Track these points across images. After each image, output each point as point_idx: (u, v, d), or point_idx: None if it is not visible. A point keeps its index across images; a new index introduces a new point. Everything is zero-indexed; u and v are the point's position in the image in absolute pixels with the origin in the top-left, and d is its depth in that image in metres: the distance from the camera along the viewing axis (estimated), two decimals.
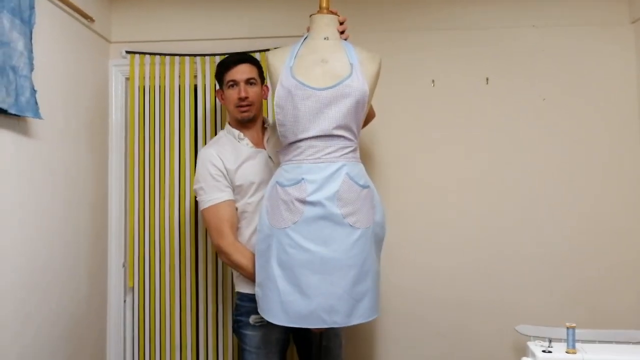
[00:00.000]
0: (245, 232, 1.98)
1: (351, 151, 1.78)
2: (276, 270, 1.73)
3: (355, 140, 1.80)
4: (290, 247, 1.71)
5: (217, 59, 2.49)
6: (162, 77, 2.51)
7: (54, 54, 2.07)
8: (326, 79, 1.76)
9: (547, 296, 2.40)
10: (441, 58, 2.50)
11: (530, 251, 2.43)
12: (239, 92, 2.00)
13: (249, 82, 2.02)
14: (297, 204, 1.71)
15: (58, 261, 2.07)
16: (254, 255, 1.85)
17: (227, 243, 1.91)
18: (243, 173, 1.97)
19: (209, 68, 2.49)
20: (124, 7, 2.58)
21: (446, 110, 2.48)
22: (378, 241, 1.83)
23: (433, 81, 2.50)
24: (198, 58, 2.50)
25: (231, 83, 2.02)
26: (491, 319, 2.42)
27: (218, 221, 1.92)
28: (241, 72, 2.01)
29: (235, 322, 2.03)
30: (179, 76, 2.51)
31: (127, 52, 2.52)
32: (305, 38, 1.90)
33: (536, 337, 2.07)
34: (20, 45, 1.76)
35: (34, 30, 1.84)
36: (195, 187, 2.00)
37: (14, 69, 1.72)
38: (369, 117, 2.12)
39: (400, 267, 2.44)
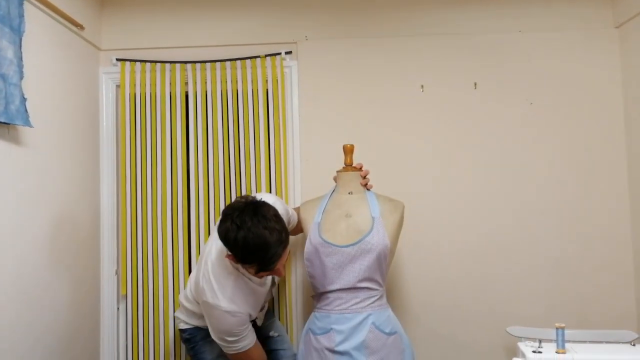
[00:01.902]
0: None
1: (377, 300, 1.92)
2: None
3: (381, 289, 1.94)
4: None
5: (208, 66, 2.50)
6: (153, 85, 2.51)
7: (44, 61, 2.07)
8: (350, 233, 1.93)
9: (538, 298, 2.43)
10: (430, 63, 2.53)
11: (521, 254, 2.45)
12: (270, 278, 1.92)
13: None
14: (327, 353, 1.87)
15: (50, 269, 2.06)
16: None
17: None
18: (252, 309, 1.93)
19: (199, 75, 2.50)
20: (114, 15, 2.59)
21: (435, 115, 2.51)
22: None
23: (422, 86, 2.52)
24: (189, 65, 2.51)
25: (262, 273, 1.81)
26: (482, 321, 2.44)
27: None
28: (278, 263, 1.77)
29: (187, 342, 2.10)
30: (170, 83, 2.51)
31: (118, 59, 2.52)
32: (333, 191, 2.10)
33: (526, 338, 2.09)
34: (9, 53, 1.76)
35: (23, 38, 1.85)
36: (214, 336, 1.89)
37: (3, 77, 1.72)
38: None
39: (392, 271, 2.45)
